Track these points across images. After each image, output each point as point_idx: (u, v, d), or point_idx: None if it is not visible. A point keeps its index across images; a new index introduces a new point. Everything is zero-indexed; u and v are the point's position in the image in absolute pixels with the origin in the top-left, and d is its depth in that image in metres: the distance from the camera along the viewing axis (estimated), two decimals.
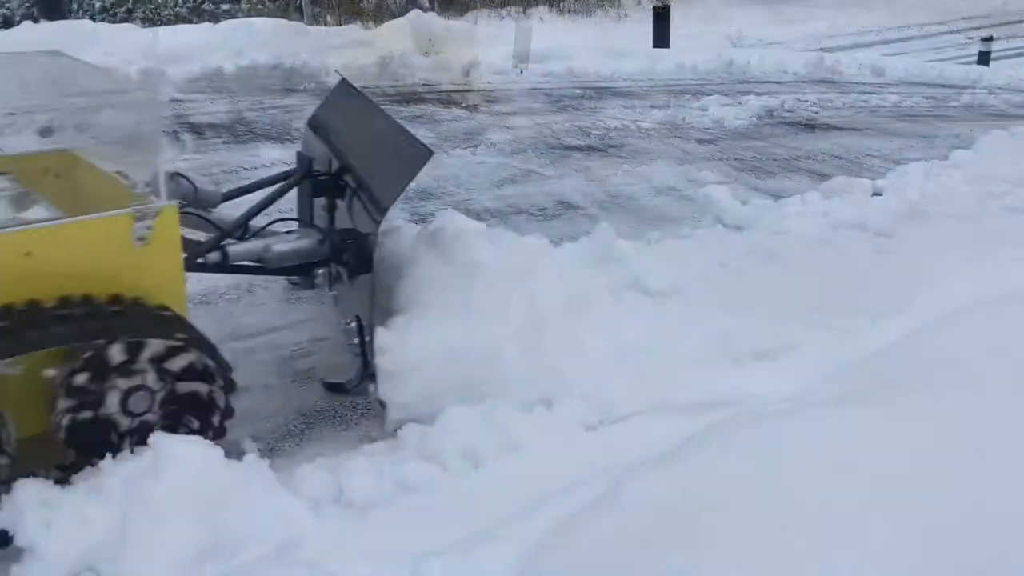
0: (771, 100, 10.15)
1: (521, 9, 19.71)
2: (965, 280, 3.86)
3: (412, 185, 6.34)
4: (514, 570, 2.24)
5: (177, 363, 2.71)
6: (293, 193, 3.80)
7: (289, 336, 4.00)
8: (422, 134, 7.85)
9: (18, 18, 14.18)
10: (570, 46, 12.52)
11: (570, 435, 3.13)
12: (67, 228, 2.68)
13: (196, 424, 2.80)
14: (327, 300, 4.34)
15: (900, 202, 5.74)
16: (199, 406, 2.79)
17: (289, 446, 3.21)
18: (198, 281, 4.51)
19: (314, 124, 3.81)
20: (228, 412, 2.85)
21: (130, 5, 16.14)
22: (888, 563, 2.01)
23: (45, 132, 3.49)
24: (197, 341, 2.74)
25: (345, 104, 3.93)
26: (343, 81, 4.09)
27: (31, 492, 2.57)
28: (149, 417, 2.70)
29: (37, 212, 2.87)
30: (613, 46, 13.01)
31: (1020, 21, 21.15)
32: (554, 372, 3.22)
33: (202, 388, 2.78)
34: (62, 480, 2.59)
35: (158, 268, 2.77)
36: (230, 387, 2.83)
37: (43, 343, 2.52)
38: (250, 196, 3.76)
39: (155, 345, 2.65)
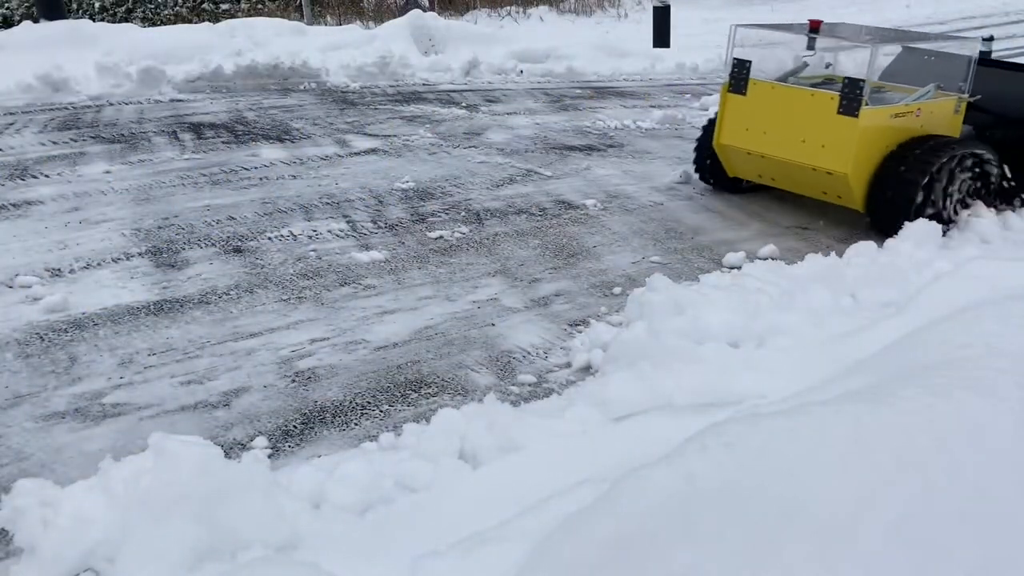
0: None
1: (521, 8, 19.69)
2: (965, 279, 3.85)
3: (411, 185, 6.35)
4: (514, 570, 2.24)
5: (984, 163, 5.63)
6: None
7: (289, 336, 4.01)
8: (421, 133, 7.86)
9: (18, 18, 14.17)
10: (570, 46, 12.52)
11: (570, 435, 3.13)
12: (936, 103, 5.74)
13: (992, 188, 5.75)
14: (326, 301, 4.35)
15: None
16: (990, 183, 5.71)
17: (289, 446, 3.21)
18: (200, 281, 4.52)
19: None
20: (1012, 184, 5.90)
21: (130, 5, 16.12)
22: (887, 563, 2.01)
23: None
24: (986, 150, 5.67)
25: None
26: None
27: (31, 492, 2.58)
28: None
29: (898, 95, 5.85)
30: (613, 46, 13.02)
31: (1020, 21, 21.15)
32: None
33: (993, 171, 5.68)
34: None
35: (956, 124, 5.87)
36: (1003, 173, 5.77)
37: (952, 153, 5.42)
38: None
39: (981, 153, 5.60)
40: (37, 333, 3.92)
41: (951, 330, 2.97)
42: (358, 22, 16.50)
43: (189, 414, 3.37)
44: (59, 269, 4.57)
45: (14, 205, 5.50)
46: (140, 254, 4.83)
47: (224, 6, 16.41)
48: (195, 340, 3.92)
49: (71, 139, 7.09)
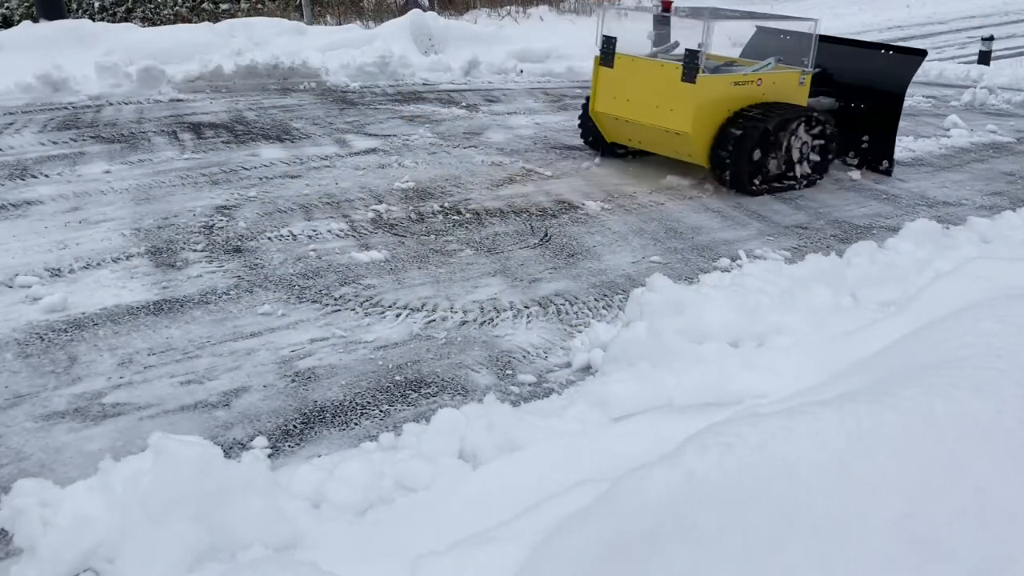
0: None
1: (521, 8, 19.67)
2: (965, 279, 3.85)
3: (411, 185, 6.35)
4: (514, 570, 2.24)
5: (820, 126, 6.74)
6: None
7: (289, 336, 4.01)
8: (421, 133, 7.86)
9: (18, 17, 14.16)
10: (570, 46, 12.51)
11: (570, 435, 3.13)
12: (778, 74, 6.73)
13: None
14: (326, 301, 4.34)
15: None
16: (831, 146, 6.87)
17: (289, 446, 3.21)
18: (200, 281, 4.52)
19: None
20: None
21: (129, 4, 16.10)
22: (887, 563, 2.01)
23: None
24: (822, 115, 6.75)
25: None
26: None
27: (31, 492, 2.58)
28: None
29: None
30: None
31: (1020, 21, 21.15)
32: None
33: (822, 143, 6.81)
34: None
35: (802, 94, 6.88)
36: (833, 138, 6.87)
37: (787, 118, 6.49)
38: None
39: (804, 118, 6.57)
40: (37, 333, 3.92)
41: (951, 330, 2.96)
42: (358, 22, 16.49)
43: (189, 414, 3.37)
44: (59, 269, 4.57)
45: (14, 205, 5.50)
46: (140, 254, 4.83)
47: (224, 6, 16.39)
48: (195, 340, 3.92)
49: (71, 139, 7.09)
